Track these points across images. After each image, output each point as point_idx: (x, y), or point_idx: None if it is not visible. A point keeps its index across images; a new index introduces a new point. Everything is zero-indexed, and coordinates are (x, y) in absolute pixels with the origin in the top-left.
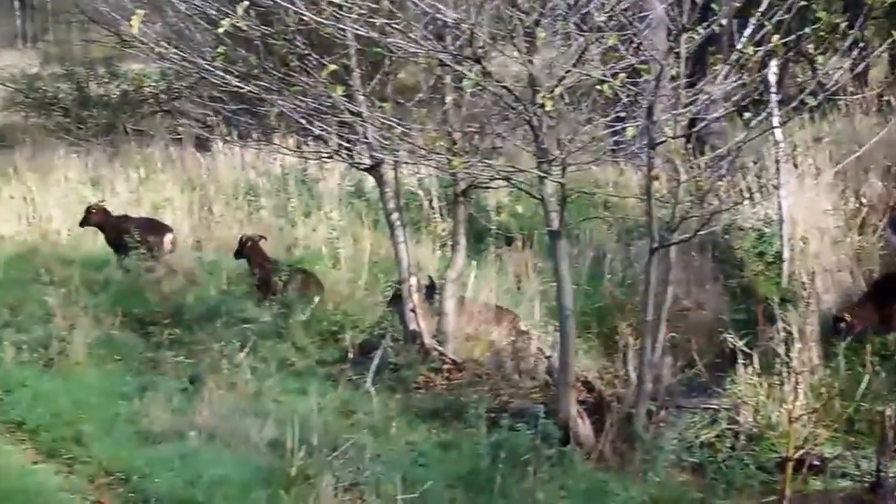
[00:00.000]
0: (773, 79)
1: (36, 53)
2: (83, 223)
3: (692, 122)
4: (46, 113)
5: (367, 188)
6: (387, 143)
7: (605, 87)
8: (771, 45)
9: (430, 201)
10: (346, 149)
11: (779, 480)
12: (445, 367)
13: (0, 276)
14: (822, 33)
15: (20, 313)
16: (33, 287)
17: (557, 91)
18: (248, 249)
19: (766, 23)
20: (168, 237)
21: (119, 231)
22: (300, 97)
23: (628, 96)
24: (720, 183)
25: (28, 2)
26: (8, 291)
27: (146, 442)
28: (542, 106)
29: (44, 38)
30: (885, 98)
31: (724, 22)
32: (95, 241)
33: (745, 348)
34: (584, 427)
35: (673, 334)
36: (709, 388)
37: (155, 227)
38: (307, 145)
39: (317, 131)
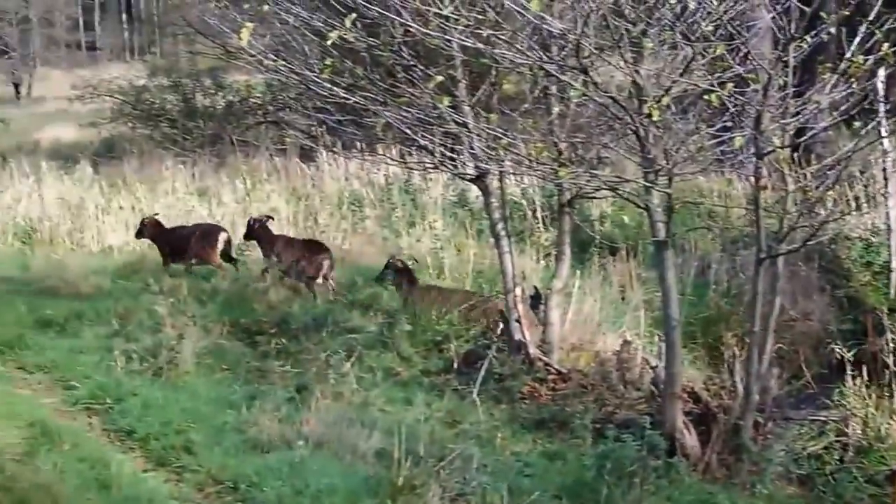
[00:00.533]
0: (881, 88)
1: (143, 65)
2: (138, 235)
3: (799, 132)
4: (154, 124)
5: (470, 198)
6: (492, 153)
7: (713, 96)
8: (880, 53)
9: (534, 211)
10: (451, 159)
11: (888, 493)
12: (550, 377)
13: (109, 285)
14: None
15: (130, 323)
16: (143, 297)
17: (664, 101)
18: (257, 231)
19: (875, 31)
20: (221, 236)
21: (171, 243)
22: (406, 108)
23: (735, 106)
24: (828, 193)
25: (135, 15)
26: (118, 301)
27: (254, 451)
28: (649, 116)
29: (151, 51)
30: None
31: (832, 30)
32: None
33: (853, 359)
34: (690, 438)
35: (780, 345)
36: (816, 400)
37: (207, 233)
38: (411, 155)
39: (422, 142)
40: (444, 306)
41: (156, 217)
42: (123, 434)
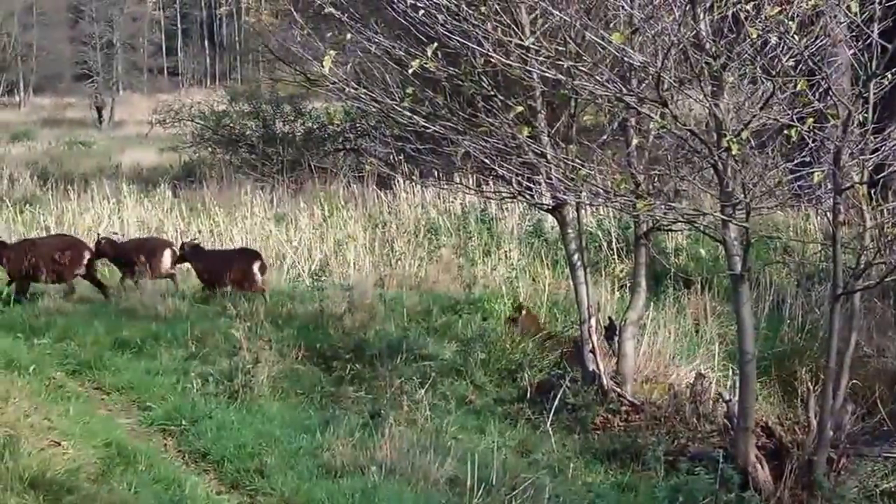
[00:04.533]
0: None
1: (224, 91)
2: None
3: (878, 168)
4: (233, 149)
5: (546, 228)
6: (570, 184)
7: (792, 131)
8: None
9: (610, 242)
10: (528, 189)
11: None
12: (623, 408)
13: (187, 308)
14: None
15: (206, 345)
16: (219, 320)
17: (744, 135)
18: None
19: None
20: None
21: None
22: (485, 137)
23: (814, 141)
24: None
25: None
26: (195, 324)
27: (327, 475)
28: (728, 149)
29: (231, 77)
30: None
31: None
32: (280, 276)
33: None
34: (763, 473)
35: (854, 381)
36: (891, 437)
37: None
38: (488, 185)
39: (500, 171)
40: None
41: (195, 241)
42: (198, 456)
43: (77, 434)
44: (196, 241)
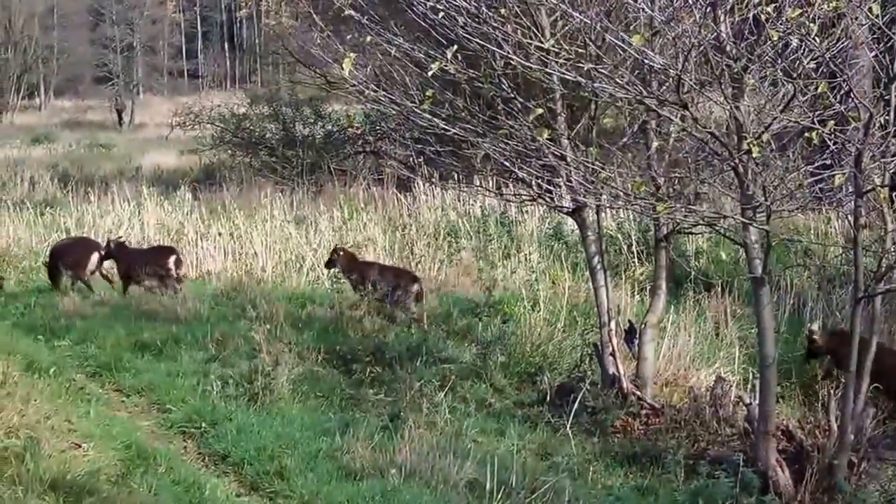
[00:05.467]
0: None
1: (244, 94)
2: (105, 258)
3: None
4: (253, 152)
5: (566, 231)
6: (590, 187)
7: (813, 134)
8: None
9: (630, 245)
10: (548, 192)
11: None
12: (643, 412)
13: (207, 310)
14: None
15: (226, 348)
16: (239, 322)
17: (764, 137)
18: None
19: None
20: (171, 259)
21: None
22: (505, 140)
23: (836, 144)
24: None
25: (237, 44)
26: (215, 326)
27: (348, 478)
28: (749, 152)
29: (251, 79)
30: None
31: None
32: (299, 279)
33: None
34: (783, 477)
35: (875, 385)
36: None
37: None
38: (508, 187)
39: (520, 174)
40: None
41: (119, 239)
42: (218, 458)
43: (97, 436)
44: (121, 239)
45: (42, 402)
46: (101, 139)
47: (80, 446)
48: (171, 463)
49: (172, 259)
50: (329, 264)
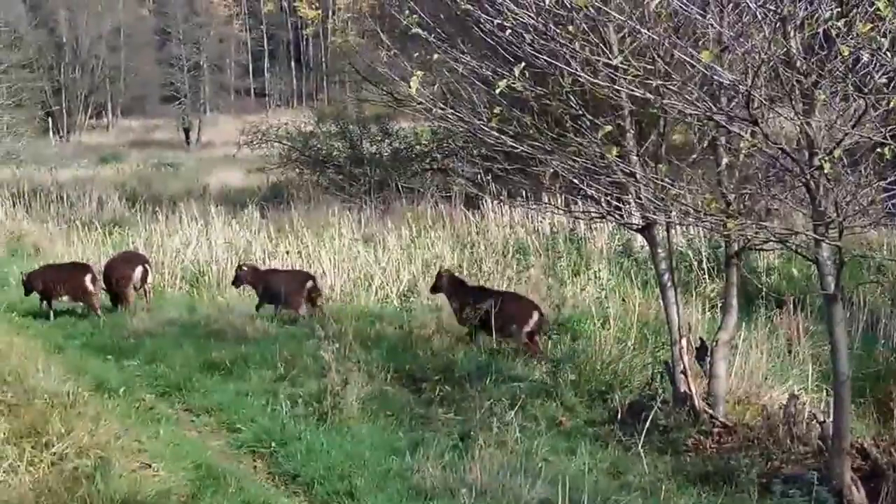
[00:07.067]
0: None
1: (311, 112)
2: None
3: None
4: (320, 170)
5: (635, 247)
6: (660, 203)
7: (886, 149)
8: None
9: (700, 262)
10: (618, 209)
11: None
12: (716, 430)
13: (275, 329)
14: None
15: (295, 367)
16: (308, 341)
17: (836, 153)
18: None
19: None
20: (87, 277)
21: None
22: (573, 157)
23: None
24: None
25: (303, 62)
26: (283, 345)
27: (418, 497)
28: (820, 168)
29: (318, 97)
30: None
31: None
32: (368, 297)
33: None
34: (858, 495)
35: None
36: None
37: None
38: (576, 204)
39: (589, 191)
40: None
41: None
42: (288, 478)
43: (167, 456)
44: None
45: (112, 422)
46: (168, 158)
47: (150, 466)
48: (241, 483)
49: (88, 277)
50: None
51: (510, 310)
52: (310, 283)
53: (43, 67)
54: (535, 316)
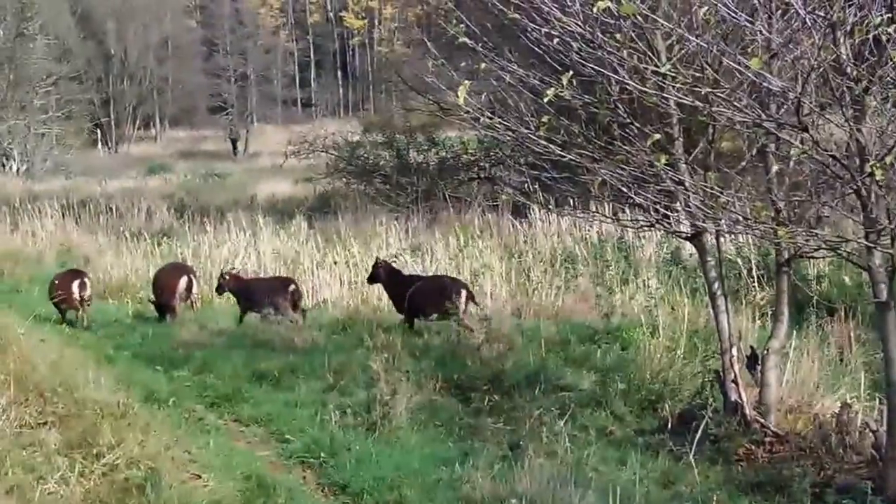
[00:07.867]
0: None
1: (357, 121)
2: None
3: None
4: (367, 180)
5: (684, 256)
6: (709, 211)
7: None
8: None
9: (750, 270)
10: (666, 217)
11: None
12: (767, 439)
13: (324, 339)
14: None
15: (344, 377)
16: (357, 351)
17: (888, 160)
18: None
19: None
20: (75, 283)
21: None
22: (622, 165)
23: None
24: None
25: (350, 72)
26: (332, 355)
27: None
28: (871, 175)
29: (364, 107)
30: None
31: None
32: None
33: None
34: None
35: None
36: None
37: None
38: (624, 213)
39: (637, 199)
40: None
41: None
42: (337, 488)
43: (217, 467)
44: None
45: (162, 433)
46: (216, 169)
47: (200, 477)
48: (291, 493)
49: (76, 284)
50: None
51: (440, 286)
52: (292, 287)
53: (91, 79)
54: (464, 293)
